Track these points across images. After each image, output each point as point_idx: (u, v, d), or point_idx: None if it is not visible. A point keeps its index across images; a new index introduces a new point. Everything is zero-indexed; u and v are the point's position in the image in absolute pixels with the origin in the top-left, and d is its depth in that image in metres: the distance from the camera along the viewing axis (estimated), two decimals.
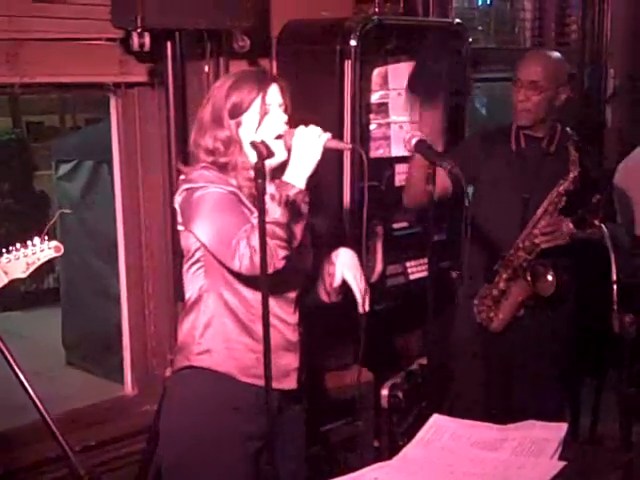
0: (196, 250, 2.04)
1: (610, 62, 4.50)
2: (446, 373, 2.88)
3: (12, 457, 2.60)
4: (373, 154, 3.03)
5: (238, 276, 1.97)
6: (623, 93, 4.55)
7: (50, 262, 2.04)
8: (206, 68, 2.78)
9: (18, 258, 1.92)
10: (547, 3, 4.40)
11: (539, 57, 2.92)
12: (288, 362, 2.11)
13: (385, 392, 3.00)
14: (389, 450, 2.70)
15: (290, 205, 1.87)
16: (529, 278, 2.79)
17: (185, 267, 2.10)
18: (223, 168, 2.02)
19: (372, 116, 3.04)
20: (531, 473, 1.66)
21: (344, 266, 2.16)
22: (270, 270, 1.83)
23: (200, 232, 1.97)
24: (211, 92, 2.11)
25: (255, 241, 1.81)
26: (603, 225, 2.60)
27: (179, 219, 2.05)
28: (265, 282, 1.82)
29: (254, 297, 2.00)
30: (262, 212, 1.79)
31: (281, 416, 2.09)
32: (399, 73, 3.14)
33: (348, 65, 2.80)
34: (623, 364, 2.59)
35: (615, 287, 2.47)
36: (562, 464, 1.68)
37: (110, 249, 2.98)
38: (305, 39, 2.99)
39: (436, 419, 1.89)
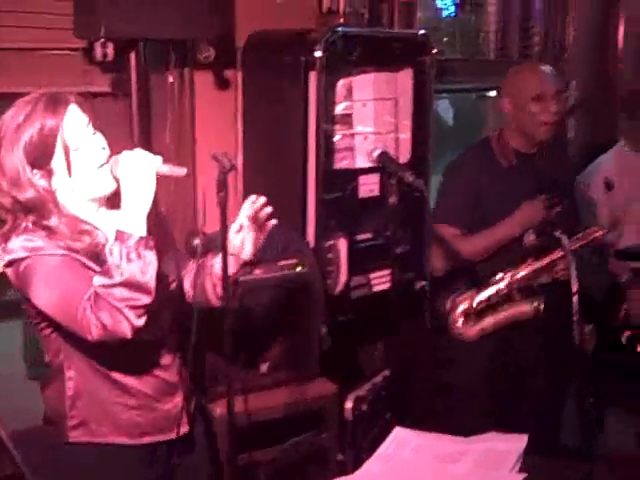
0: (45, 317, 1.81)
1: (572, 73, 4.56)
2: (408, 384, 2.90)
3: None
4: (337, 165, 3.03)
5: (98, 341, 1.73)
6: (585, 104, 4.61)
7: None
8: (170, 78, 2.77)
9: None
10: (510, 15, 4.44)
11: (547, 67, 3.02)
12: (174, 405, 1.95)
13: (349, 404, 2.99)
14: (353, 463, 2.69)
15: (135, 257, 1.66)
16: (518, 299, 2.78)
17: (38, 328, 1.88)
18: (49, 229, 1.75)
19: (336, 127, 3.04)
20: None
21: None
22: (130, 334, 1.67)
23: (41, 304, 1.75)
24: None
25: (102, 308, 1.65)
26: (564, 236, 2.64)
27: (15, 286, 1.81)
28: (228, 298, 1.81)
29: (123, 350, 1.78)
30: (224, 224, 1.78)
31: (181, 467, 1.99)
32: (364, 84, 3.15)
33: (313, 76, 2.80)
34: (583, 374, 2.63)
35: (575, 298, 2.50)
36: (522, 476, 1.69)
37: None
38: (270, 50, 2.98)
39: (397, 432, 1.90)
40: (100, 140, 1.79)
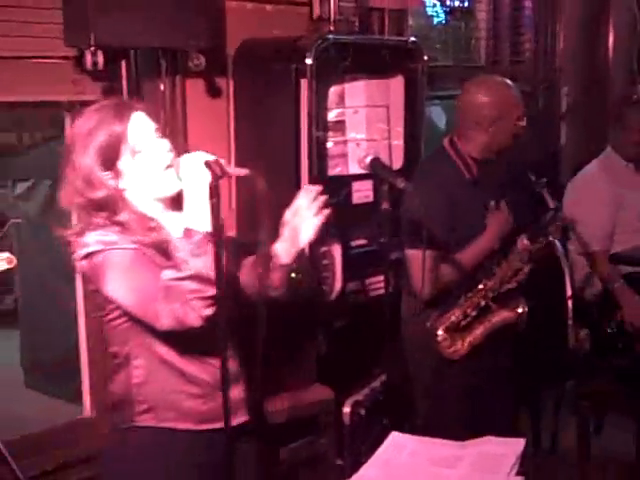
0: (116, 308, 1.90)
1: (563, 80, 4.58)
2: (408, 389, 2.89)
3: None
4: (330, 172, 3.04)
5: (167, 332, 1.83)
6: (576, 110, 4.63)
7: (9, 283, 2.01)
8: (162, 87, 2.77)
9: None
10: (500, 23, 4.46)
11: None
12: (234, 394, 1.98)
13: (347, 409, 2.98)
14: (352, 468, 2.68)
15: (200, 252, 1.76)
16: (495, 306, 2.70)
17: (106, 319, 1.95)
18: (121, 225, 1.86)
19: (329, 134, 3.05)
20: None
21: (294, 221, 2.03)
22: (199, 323, 1.76)
23: (116, 295, 1.83)
24: (68, 140, 1.91)
25: (174, 300, 1.74)
26: (557, 241, 2.64)
27: (87, 280, 1.93)
28: (223, 302, 1.81)
29: (187, 340, 1.88)
30: (217, 230, 1.77)
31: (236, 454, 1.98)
32: (355, 91, 3.16)
33: (304, 83, 2.81)
34: (578, 377, 2.63)
35: (570, 302, 2.50)
36: (519, 479, 1.69)
37: (68, 270, 2.94)
38: (261, 58, 2.99)
39: (394, 437, 1.89)
40: (165, 144, 1.90)
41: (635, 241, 3.62)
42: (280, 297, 2.11)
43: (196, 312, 1.76)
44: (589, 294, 3.67)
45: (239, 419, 2.03)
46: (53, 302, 4.27)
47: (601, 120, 4.57)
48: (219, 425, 1.93)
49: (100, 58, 2.35)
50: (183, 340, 1.89)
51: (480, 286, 2.70)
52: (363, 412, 2.94)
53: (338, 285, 2.98)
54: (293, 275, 2.68)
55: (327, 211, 2.02)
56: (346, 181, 3.08)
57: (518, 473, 1.72)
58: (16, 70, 2.51)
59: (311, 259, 2.82)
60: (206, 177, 1.77)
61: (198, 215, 1.78)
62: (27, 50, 2.52)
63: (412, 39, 3.28)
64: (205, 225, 1.78)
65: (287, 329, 2.66)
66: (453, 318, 2.69)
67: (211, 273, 1.77)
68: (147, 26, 2.43)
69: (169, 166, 1.89)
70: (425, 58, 3.23)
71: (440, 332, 2.69)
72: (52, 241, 4.20)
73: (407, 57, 3.20)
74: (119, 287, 1.82)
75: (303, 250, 2.07)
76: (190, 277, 1.76)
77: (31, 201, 4.54)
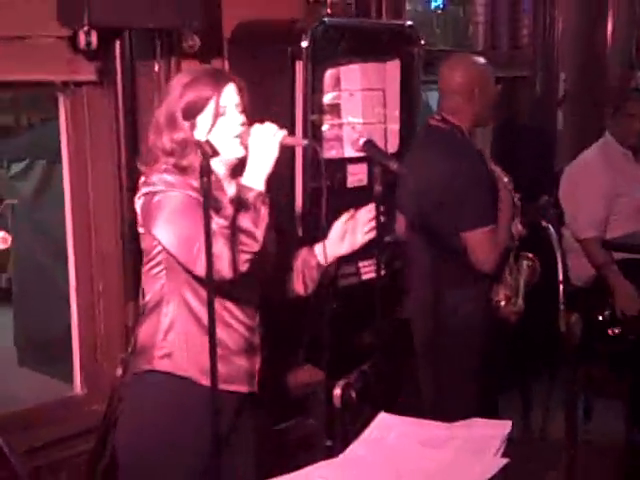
0: (157, 253, 2.03)
1: (561, 66, 4.57)
2: (398, 372, 2.91)
3: None
4: (326, 155, 3.03)
5: (200, 279, 1.96)
6: (574, 96, 4.63)
7: (3, 262, 2.03)
8: (156, 67, 2.76)
9: None
10: (499, 8, 4.45)
11: None
12: (250, 365, 2.12)
13: (338, 391, 3.00)
14: (341, 449, 2.71)
15: (251, 208, 1.89)
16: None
17: (146, 268, 2.09)
18: (184, 171, 2.00)
19: (324, 117, 3.05)
20: (474, 470, 1.68)
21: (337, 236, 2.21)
22: (232, 275, 1.87)
23: (162, 236, 1.96)
24: (166, 90, 2.10)
25: (218, 246, 1.83)
26: (551, 226, 2.66)
27: (140, 222, 2.04)
28: (212, 284, 1.82)
29: (216, 299, 1.97)
30: (207, 210, 1.79)
31: (239, 419, 2.11)
32: (351, 74, 3.15)
33: (300, 66, 2.80)
34: (569, 362, 2.65)
35: (562, 287, 2.52)
36: (504, 461, 1.70)
37: (63, 250, 2.95)
38: (257, 40, 2.98)
39: (383, 417, 1.91)
40: (242, 118, 2.05)
41: (629, 228, 3.63)
42: (302, 296, 2.24)
43: (237, 263, 1.86)
44: (582, 280, 3.69)
45: (250, 387, 2.13)
46: (47, 281, 4.29)
47: (598, 106, 4.58)
48: (233, 388, 2.05)
49: (94, 38, 2.35)
50: (215, 299, 1.95)
51: None
52: (354, 394, 2.96)
53: (332, 268, 2.99)
54: None
55: (374, 234, 2.16)
56: (341, 164, 3.08)
57: (504, 455, 1.74)
58: (9, 50, 2.49)
59: (304, 241, 2.82)
60: (272, 147, 1.93)
61: (256, 176, 1.92)
62: (20, 29, 2.50)
63: (409, 23, 3.27)
64: (260, 185, 1.91)
65: (278, 308, 2.68)
66: (507, 281, 2.87)
67: (257, 231, 1.89)
68: (141, 6, 2.43)
69: (238, 136, 2.01)
70: (422, 42, 3.22)
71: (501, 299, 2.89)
72: (46, 221, 4.28)
73: (404, 41, 3.19)
74: (166, 228, 1.93)
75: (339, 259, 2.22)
76: (237, 228, 1.87)
77: (26, 181, 4.55)
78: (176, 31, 2.71)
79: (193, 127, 2.03)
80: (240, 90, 2.08)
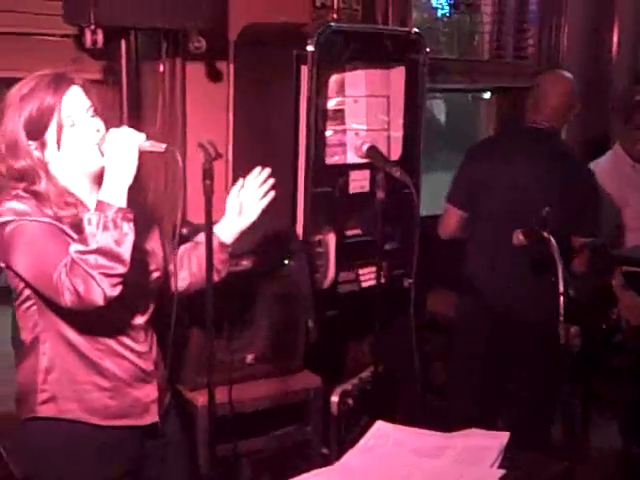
0: (24, 288, 1.85)
1: None
2: (395, 380, 2.90)
3: None
4: (329, 160, 3.03)
5: (74, 310, 1.73)
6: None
7: None
8: (161, 68, 2.76)
9: None
10: (505, 17, 4.44)
11: None
12: (146, 394, 1.96)
13: (335, 399, 2.99)
14: (337, 457, 2.69)
15: (112, 227, 1.69)
16: None
17: (16, 305, 1.91)
18: (38, 196, 1.79)
19: (328, 122, 3.04)
20: None
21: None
22: (101, 302, 1.68)
23: (20, 269, 1.77)
24: (3, 105, 1.83)
25: (77, 274, 1.66)
26: (552, 237, 2.64)
27: None
28: (210, 290, 1.81)
29: (101, 330, 1.85)
30: (209, 213, 1.78)
31: (146, 453, 1.99)
32: (356, 80, 3.14)
33: (305, 70, 2.80)
34: (569, 375, 2.63)
35: (562, 299, 2.50)
36: (501, 472, 1.69)
37: None
38: (263, 43, 2.98)
39: (380, 426, 1.90)
40: (96, 123, 1.83)
41: (635, 241, 3.63)
42: (221, 281, 2.02)
43: (100, 289, 1.67)
44: (587, 290, 3.67)
45: (149, 419, 1.97)
46: None
47: (603, 117, 4.57)
48: (127, 422, 1.91)
49: (100, 37, 2.34)
50: (94, 330, 1.85)
51: None
52: (351, 402, 2.95)
53: (332, 274, 2.98)
54: (286, 260, 2.69)
55: (272, 195, 2.02)
56: (343, 170, 3.07)
57: (501, 466, 1.72)
58: (16, 47, 2.50)
59: (305, 246, 2.82)
60: (130, 154, 1.73)
61: (114, 189, 1.71)
62: (27, 27, 2.50)
63: (415, 30, 3.26)
64: (120, 201, 1.71)
65: (276, 314, 2.67)
66: None
67: (122, 250, 1.69)
68: (148, 6, 2.42)
69: (95, 144, 1.81)
70: (427, 50, 3.21)
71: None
72: None
73: (409, 48, 3.18)
74: (24, 259, 1.75)
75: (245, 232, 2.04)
76: (96, 251, 1.67)
77: None
78: (182, 32, 2.70)
79: (43, 146, 1.81)
80: (88, 91, 1.84)
